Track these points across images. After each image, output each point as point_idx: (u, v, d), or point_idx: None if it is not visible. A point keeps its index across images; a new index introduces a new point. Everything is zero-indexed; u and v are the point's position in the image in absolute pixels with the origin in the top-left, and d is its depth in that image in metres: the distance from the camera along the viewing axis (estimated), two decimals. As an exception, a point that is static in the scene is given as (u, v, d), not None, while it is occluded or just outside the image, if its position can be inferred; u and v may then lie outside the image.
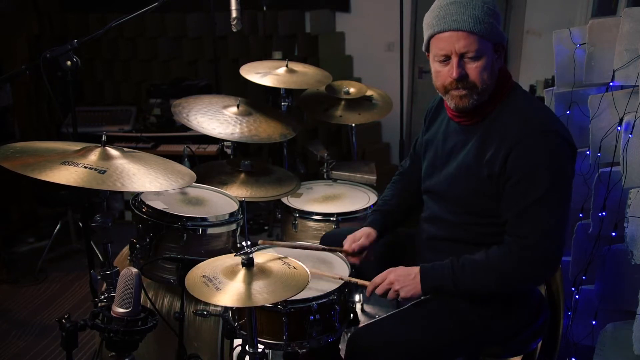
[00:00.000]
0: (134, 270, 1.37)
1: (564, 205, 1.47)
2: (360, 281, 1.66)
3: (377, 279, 1.61)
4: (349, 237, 1.80)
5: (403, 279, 1.57)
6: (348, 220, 2.33)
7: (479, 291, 1.54)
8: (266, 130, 2.31)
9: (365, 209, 2.39)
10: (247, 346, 1.49)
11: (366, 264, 1.78)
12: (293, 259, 1.49)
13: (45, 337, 2.74)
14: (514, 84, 1.57)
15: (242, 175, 2.32)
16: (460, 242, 1.62)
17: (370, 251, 1.80)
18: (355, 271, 1.74)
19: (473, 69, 1.45)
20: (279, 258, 1.47)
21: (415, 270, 1.58)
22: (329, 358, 1.83)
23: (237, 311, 1.65)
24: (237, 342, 1.76)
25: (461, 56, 1.45)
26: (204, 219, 1.81)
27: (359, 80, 4.30)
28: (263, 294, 1.31)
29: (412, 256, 1.75)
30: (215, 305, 1.67)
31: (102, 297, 1.60)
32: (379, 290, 1.60)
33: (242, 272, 1.37)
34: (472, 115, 1.56)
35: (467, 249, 1.56)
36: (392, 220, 1.87)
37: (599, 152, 1.95)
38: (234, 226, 1.88)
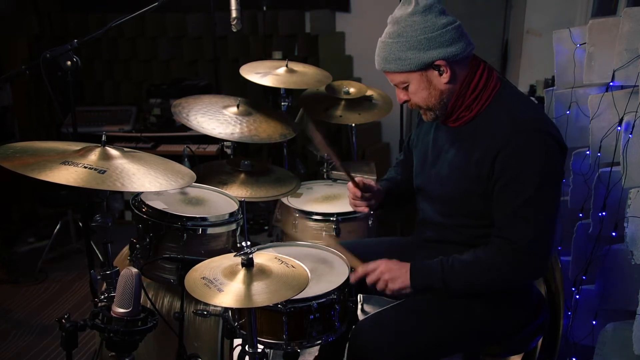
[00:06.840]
0: (134, 270, 1.37)
1: (554, 206, 1.49)
2: (353, 260, 1.69)
3: (370, 266, 1.63)
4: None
5: (395, 271, 1.59)
6: (348, 220, 2.33)
7: (468, 290, 1.55)
8: (266, 130, 2.31)
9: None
10: (247, 346, 1.49)
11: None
12: (293, 259, 1.48)
13: (45, 337, 2.74)
14: (501, 85, 1.55)
15: (242, 175, 2.32)
16: (454, 244, 1.63)
17: (375, 199, 1.81)
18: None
19: (410, 95, 1.56)
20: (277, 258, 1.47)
21: (406, 266, 1.60)
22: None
23: (237, 311, 1.65)
24: (237, 341, 1.76)
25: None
26: (204, 219, 1.81)
27: (359, 80, 4.28)
28: (263, 295, 1.31)
29: (409, 259, 1.76)
30: (215, 305, 1.67)
31: (102, 297, 1.60)
32: (369, 279, 1.62)
33: (242, 273, 1.37)
34: (454, 120, 1.58)
35: (460, 251, 1.57)
36: (396, 188, 1.89)
37: (599, 152, 1.95)
38: (234, 226, 1.88)
